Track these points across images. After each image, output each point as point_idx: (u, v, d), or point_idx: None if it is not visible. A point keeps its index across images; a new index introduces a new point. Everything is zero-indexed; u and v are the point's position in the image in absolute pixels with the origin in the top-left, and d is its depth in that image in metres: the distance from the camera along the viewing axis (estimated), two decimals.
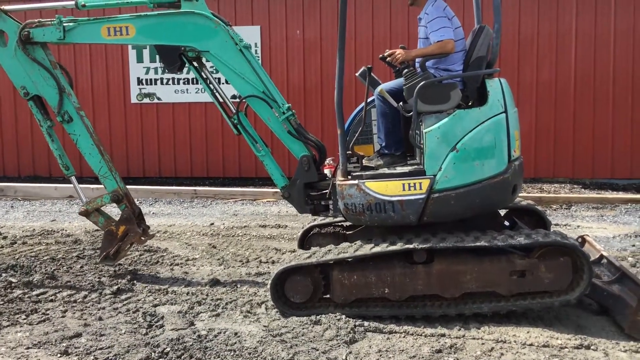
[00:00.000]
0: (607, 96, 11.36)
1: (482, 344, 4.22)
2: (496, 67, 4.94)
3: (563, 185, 11.23)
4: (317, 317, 4.60)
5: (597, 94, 11.38)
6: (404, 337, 4.37)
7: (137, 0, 5.51)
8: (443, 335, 4.36)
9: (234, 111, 5.48)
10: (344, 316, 4.58)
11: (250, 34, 11.95)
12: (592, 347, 4.15)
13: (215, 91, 5.63)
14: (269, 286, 4.78)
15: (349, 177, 4.87)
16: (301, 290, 4.75)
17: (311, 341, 4.26)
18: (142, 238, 5.85)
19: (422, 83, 4.70)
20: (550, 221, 6.12)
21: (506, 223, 5.65)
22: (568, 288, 4.57)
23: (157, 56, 5.99)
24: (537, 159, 11.56)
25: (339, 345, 4.19)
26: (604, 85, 11.36)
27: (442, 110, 4.69)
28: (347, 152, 5.14)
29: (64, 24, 5.41)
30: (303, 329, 4.46)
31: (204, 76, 5.61)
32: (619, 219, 8.50)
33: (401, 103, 5.04)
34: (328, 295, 4.82)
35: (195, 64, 5.54)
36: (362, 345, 4.23)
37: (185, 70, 5.64)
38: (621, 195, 10.04)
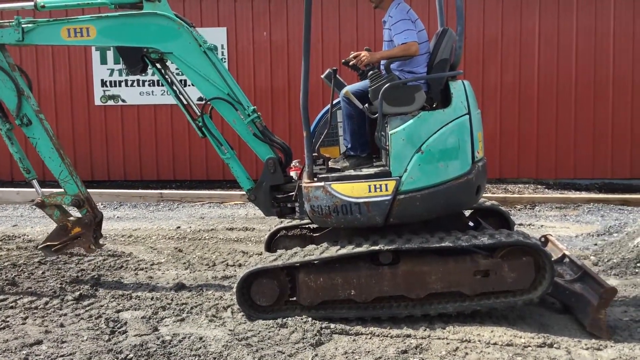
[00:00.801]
0: (569, 97, 11.57)
1: (447, 343, 4.25)
2: (460, 69, 4.99)
3: (527, 185, 11.40)
4: (283, 320, 4.58)
5: (560, 95, 11.59)
6: (370, 338, 4.37)
7: (97, 1, 5.41)
8: (409, 335, 4.38)
9: (199, 114, 5.43)
10: (310, 319, 4.57)
11: (217, 36, 11.87)
12: (554, 345, 4.21)
13: (179, 93, 5.57)
14: (234, 290, 4.74)
15: (315, 179, 4.87)
16: (267, 294, 4.72)
17: (277, 344, 4.24)
18: (91, 247, 5.67)
19: (387, 85, 4.73)
20: (514, 221, 6.21)
21: (471, 224, 5.70)
22: (531, 287, 4.63)
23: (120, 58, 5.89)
24: (502, 160, 11.72)
25: (305, 348, 4.18)
26: (567, 86, 11.57)
27: (407, 112, 4.73)
28: (313, 154, 5.14)
29: (23, 26, 5.30)
30: (269, 332, 4.44)
31: (168, 79, 5.55)
32: (581, 219, 8.65)
33: (367, 105, 5.05)
34: (294, 298, 4.80)
35: (158, 65, 5.47)
36: (328, 347, 4.23)
37: (149, 72, 5.56)
38: (584, 195, 10.24)
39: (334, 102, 5.42)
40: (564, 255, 5.31)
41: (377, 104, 4.75)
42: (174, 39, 5.22)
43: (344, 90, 5.15)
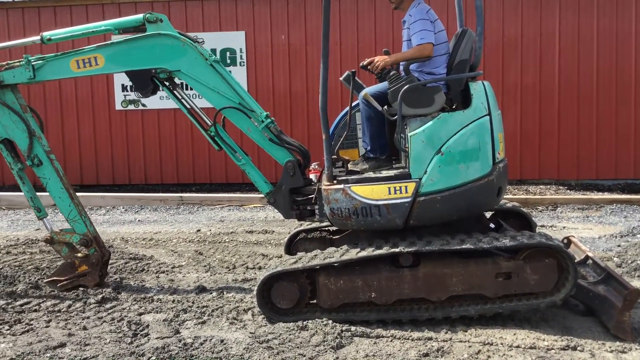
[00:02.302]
0: (590, 97, 11.45)
1: (469, 346, 4.21)
2: (479, 70, 4.96)
3: (548, 186, 11.29)
4: (304, 322, 4.57)
5: (581, 95, 11.47)
6: (391, 341, 4.35)
7: (101, 29, 5.42)
8: (430, 338, 4.35)
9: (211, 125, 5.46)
10: (330, 321, 4.56)
11: (235, 40, 11.94)
12: (578, 348, 4.16)
13: (191, 109, 5.62)
14: (255, 292, 4.75)
15: (335, 181, 4.86)
16: (288, 296, 4.72)
17: (298, 347, 4.24)
18: (96, 285, 5.63)
19: (406, 87, 4.71)
20: (536, 223, 6.14)
21: (491, 225, 5.66)
22: (554, 289, 4.58)
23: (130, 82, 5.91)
24: (523, 161, 11.63)
25: (326, 351, 4.17)
26: (588, 86, 11.45)
27: (427, 113, 4.70)
28: (333, 157, 5.13)
29: (33, 63, 5.36)
30: (290, 335, 4.43)
31: (179, 96, 5.59)
32: (604, 220, 8.55)
33: (385, 107, 5.04)
34: (315, 301, 4.80)
35: (168, 84, 5.52)
36: (349, 350, 4.21)
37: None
38: (606, 195, 10.11)
39: (353, 104, 5.41)
40: (587, 257, 5.25)
41: (397, 105, 4.73)
42: (180, 56, 5.27)
43: (362, 93, 5.14)
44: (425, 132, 4.64)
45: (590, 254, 5.26)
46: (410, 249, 4.55)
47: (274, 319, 4.73)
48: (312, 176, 5.56)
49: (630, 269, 5.91)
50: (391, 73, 4.91)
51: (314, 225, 5.98)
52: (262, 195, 5.56)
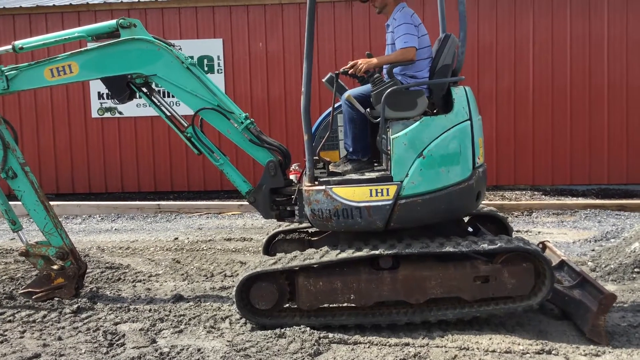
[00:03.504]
0: (565, 103, 11.63)
1: (446, 351, 4.25)
2: (460, 75, 5.01)
3: (524, 192, 11.42)
4: (282, 330, 4.57)
5: (555, 101, 11.64)
6: (368, 347, 4.37)
7: (73, 36, 5.39)
8: (407, 344, 4.38)
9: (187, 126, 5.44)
10: (308, 328, 4.57)
11: (213, 47, 11.93)
12: (553, 352, 4.22)
13: (169, 113, 5.60)
14: (234, 293, 4.72)
15: (316, 182, 4.85)
16: (266, 297, 4.70)
17: (276, 355, 4.24)
18: (71, 298, 5.56)
19: (389, 90, 4.73)
20: (512, 227, 6.21)
21: (470, 229, 5.71)
22: (531, 293, 4.64)
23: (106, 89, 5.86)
24: (499, 167, 11.75)
25: (304, 358, 4.17)
26: (562, 92, 11.62)
27: (409, 116, 4.73)
28: (314, 158, 5.14)
29: (6, 74, 5.31)
30: (267, 342, 4.43)
31: (156, 101, 5.57)
32: (578, 225, 8.66)
33: (368, 109, 5.06)
34: (294, 305, 4.79)
35: (144, 89, 5.50)
36: (326, 357, 4.22)
37: (137, 96, 5.56)
38: (580, 201, 10.24)
39: (335, 105, 5.41)
40: (562, 262, 5.32)
41: (380, 108, 4.76)
42: (155, 60, 5.25)
43: (346, 94, 5.15)
44: (407, 135, 4.67)
45: (565, 259, 5.34)
46: (390, 252, 4.57)
47: (252, 320, 4.73)
48: (292, 177, 5.55)
49: (604, 273, 6.00)
50: (375, 76, 4.92)
51: (293, 226, 5.98)
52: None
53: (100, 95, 12.21)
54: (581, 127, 11.63)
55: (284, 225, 6.06)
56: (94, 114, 12.29)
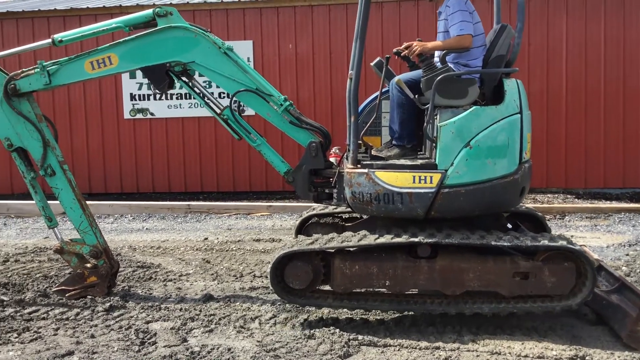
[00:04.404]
0: (598, 106, 11.43)
1: (477, 356, 4.20)
2: (514, 67, 4.94)
3: (556, 195, 11.26)
4: (311, 331, 4.57)
5: (589, 103, 11.45)
6: (398, 350, 4.34)
7: (111, 27, 5.45)
8: (437, 347, 4.33)
9: (223, 110, 5.45)
10: (337, 330, 4.56)
11: (243, 49, 11.99)
12: (587, 358, 4.14)
13: (208, 100, 5.62)
14: (268, 270, 4.73)
15: (359, 165, 4.82)
16: (301, 277, 4.69)
17: (305, 356, 4.23)
18: (104, 296, 5.63)
19: (441, 76, 4.67)
20: (550, 227, 6.09)
21: (509, 226, 5.62)
22: (570, 293, 4.55)
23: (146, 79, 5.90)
24: None
25: None
26: (596, 94, 11.43)
27: (459, 105, 4.67)
28: (358, 141, 5.10)
29: (47, 69, 5.37)
30: (297, 343, 4.43)
31: (196, 90, 5.61)
32: (612, 229, 8.51)
33: (417, 95, 5.01)
34: (327, 287, 4.79)
35: (183, 78, 5.54)
36: (356, 359, 4.20)
37: (177, 85, 5.62)
38: (614, 204, 10.07)
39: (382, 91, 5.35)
40: (599, 266, 5.22)
41: (429, 94, 4.70)
42: (193, 47, 5.27)
43: (395, 79, 5.09)
44: (456, 123, 4.61)
45: (602, 263, 5.24)
46: (430, 240, 4.51)
47: (285, 299, 4.74)
48: (332, 159, 5.53)
49: (639, 278, 5.88)
50: (427, 61, 4.85)
51: (327, 210, 5.97)
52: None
53: (132, 97, 12.38)
54: (615, 129, 11.42)
55: (318, 209, 6.05)
56: (126, 115, 12.47)
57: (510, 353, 4.21)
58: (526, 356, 4.17)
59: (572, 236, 7.99)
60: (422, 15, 11.71)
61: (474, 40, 4.87)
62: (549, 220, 9.11)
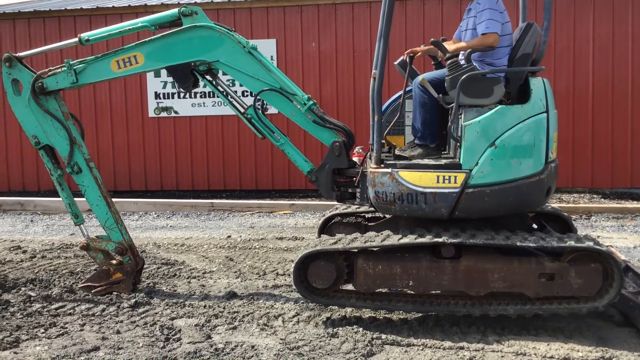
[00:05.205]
0: (625, 105, 11.26)
1: (502, 356, 4.16)
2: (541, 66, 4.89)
3: (582, 195, 11.12)
4: (334, 329, 4.58)
5: (616, 102, 11.28)
6: (422, 349, 4.32)
7: (137, 26, 5.49)
8: (462, 348, 4.31)
9: (246, 109, 5.47)
10: (361, 329, 4.56)
11: (266, 47, 12.02)
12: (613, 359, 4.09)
13: (232, 99, 5.65)
14: (292, 269, 4.74)
15: (382, 165, 4.81)
16: (324, 276, 4.70)
17: (328, 354, 4.24)
18: (129, 293, 5.69)
19: (466, 75, 4.63)
20: (576, 228, 6.01)
21: (534, 226, 5.55)
22: (596, 295, 4.49)
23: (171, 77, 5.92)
24: None
25: (357, 359, 4.16)
26: (623, 93, 11.26)
27: (484, 104, 4.63)
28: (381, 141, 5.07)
29: (74, 67, 5.43)
30: (320, 342, 4.44)
31: (220, 88, 5.64)
32: (639, 229, 8.37)
33: (441, 95, 4.98)
34: (350, 287, 4.78)
35: (208, 77, 5.57)
36: (379, 358, 4.20)
37: (201, 84, 5.65)
38: None
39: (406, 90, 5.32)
40: (626, 267, 5.14)
41: (454, 93, 4.66)
42: (218, 46, 5.29)
43: (419, 78, 5.07)
44: (480, 123, 4.58)
45: (630, 264, 5.17)
46: (454, 240, 4.48)
47: (308, 299, 4.76)
48: (355, 159, 5.52)
49: None
50: (451, 60, 4.81)
51: (350, 210, 5.96)
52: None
53: (157, 95, 12.48)
54: None
55: (341, 208, 6.05)
56: (151, 114, 12.58)
57: (535, 354, 4.17)
58: (552, 357, 4.12)
59: (598, 237, 7.88)
60: (446, 14, 11.63)
61: (501, 40, 4.82)
62: (574, 220, 9.00)
